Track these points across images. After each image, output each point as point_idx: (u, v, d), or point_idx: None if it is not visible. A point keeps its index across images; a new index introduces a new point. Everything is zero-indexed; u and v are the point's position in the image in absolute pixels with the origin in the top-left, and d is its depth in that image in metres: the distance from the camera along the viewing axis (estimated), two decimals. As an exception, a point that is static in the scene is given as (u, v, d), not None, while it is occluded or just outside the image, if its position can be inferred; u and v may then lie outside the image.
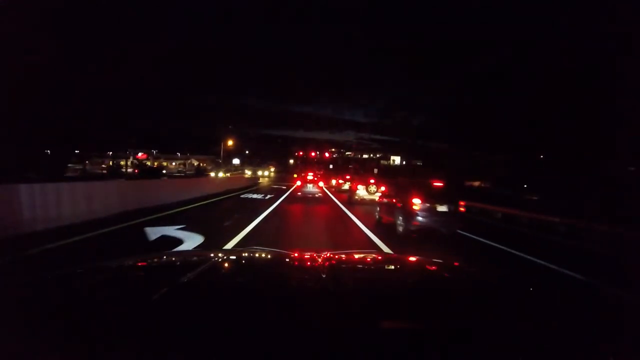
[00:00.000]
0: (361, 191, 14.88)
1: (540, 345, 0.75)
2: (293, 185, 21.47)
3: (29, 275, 1.15)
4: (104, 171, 35.70)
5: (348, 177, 24.86)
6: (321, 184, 19.11)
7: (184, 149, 62.29)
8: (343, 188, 22.33)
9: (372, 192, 14.57)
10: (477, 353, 0.70)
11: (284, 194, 18.04)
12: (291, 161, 66.00)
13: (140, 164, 41.41)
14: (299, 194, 16.92)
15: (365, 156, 61.21)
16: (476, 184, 28.44)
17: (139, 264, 1.44)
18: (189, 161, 58.44)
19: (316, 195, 16.62)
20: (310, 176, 20.91)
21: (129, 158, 56.15)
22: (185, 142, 59.32)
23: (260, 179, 37.07)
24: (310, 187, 17.09)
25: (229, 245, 5.44)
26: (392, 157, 44.82)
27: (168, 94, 33.13)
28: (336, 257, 1.56)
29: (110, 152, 56.94)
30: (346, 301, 0.97)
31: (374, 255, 2.06)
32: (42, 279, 1.11)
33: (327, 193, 20.23)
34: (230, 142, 34.33)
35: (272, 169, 59.64)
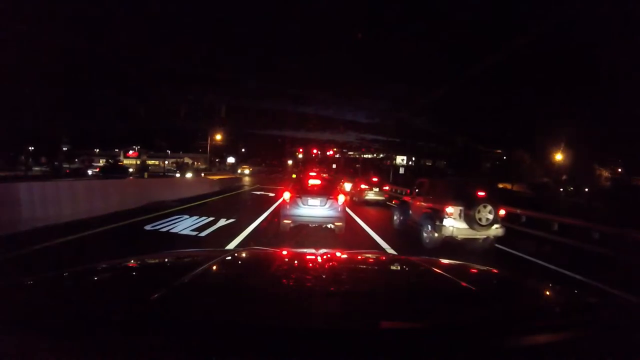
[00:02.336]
0: (456, 222, 6.34)
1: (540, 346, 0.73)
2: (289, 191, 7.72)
3: (26, 275, 1.08)
4: (67, 170, 34.11)
5: (375, 179, 16.48)
6: (342, 198, 7.32)
7: (179, 147, 60.02)
8: (366, 198, 15.11)
9: (485, 221, 6.28)
10: (478, 353, 0.70)
11: (260, 216, 9.27)
12: (290, 162, 63.01)
13: (113, 163, 40.95)
14: (289, 221, 7.07)
15: (368, 156, 58.25)
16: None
17: (139, 264, 1.42)
18: (182, 159, 55.80)
19: (328, 226, 7.24)
20: (313, 179, 8.51)
21: (119, 156, 54.30)
22: (179, 140, 57.15)
23: (239, 180, 27.98)
24: (315, 207, 7.03)
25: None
26: (399, 158, 41.85)
27: (164, 92, 30.87)
28: (337, 257, 1.59)
29: (97, 150, 55.14)
30: (347, 301, 0.98)
31: (375, 256, 2.06)
32: (42, 279, 1.09)
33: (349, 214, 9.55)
34: (218, 137, 31.34)
35: (248, 169, 49.30)
